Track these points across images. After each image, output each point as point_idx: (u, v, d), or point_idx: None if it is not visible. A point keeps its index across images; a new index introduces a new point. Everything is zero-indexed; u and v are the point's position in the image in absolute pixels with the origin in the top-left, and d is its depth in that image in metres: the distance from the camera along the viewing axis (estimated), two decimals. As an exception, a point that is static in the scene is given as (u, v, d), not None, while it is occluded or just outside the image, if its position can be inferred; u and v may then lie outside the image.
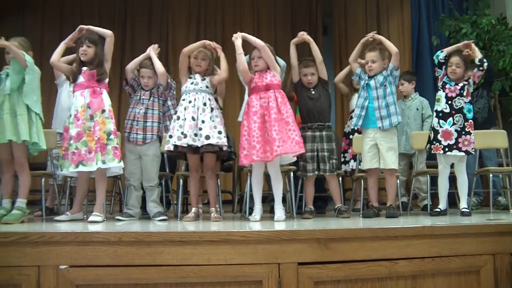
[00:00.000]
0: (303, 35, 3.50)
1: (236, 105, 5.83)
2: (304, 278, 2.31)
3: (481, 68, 3.40)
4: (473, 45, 3.52)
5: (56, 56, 3.15)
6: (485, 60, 3.42)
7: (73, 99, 3.14)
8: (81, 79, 3.13)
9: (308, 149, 3.41)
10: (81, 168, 3.01)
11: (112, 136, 3.08)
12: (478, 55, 3.45)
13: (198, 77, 3.33)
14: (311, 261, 2.34)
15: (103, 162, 3.02)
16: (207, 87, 3.31)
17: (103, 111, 3.09)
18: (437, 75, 3.57)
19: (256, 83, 3.23)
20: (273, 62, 3.25)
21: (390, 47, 3.42)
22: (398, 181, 3.61)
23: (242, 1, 7.07)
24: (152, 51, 3.45)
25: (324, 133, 3.45)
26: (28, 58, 3.03)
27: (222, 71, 3.35)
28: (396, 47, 3.42)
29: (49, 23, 6.62)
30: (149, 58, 3.45)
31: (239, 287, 2.30)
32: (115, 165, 3.07)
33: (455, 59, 3.46)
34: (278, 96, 3.17)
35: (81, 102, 3.07)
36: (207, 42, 3.38)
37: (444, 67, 3.51)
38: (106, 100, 3.13)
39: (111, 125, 3.10)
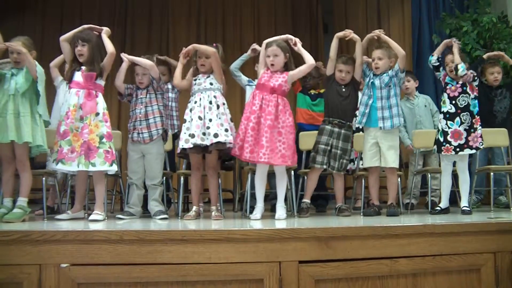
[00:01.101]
0: (351, 33, 3.48)
1: (236, 104, 5.83)
2: (305, 276, 2.31)
3: (462, 75, 3.35)
4: (456, 46, 3.47)
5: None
6: (459, 67, 3.35)
7: (68, 96, 3.13)
8: (79, 77, 3.12)
9: (322, 142, 3.41)
10: (60, 166, 3.01)
11: (104, 140, 3.06)
12: (457, 60, 3.39)
13: (201, 77, 3.34)
14: (312, 259, 2.34)
15: (93, 165, 3.02)
16: (211, 84, 3.30)
17: (97, 114, 3.08)
18: (438, 78, 3.58)
19: (265, 81, 3.22)
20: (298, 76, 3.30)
21: (396, 49, 3.40)
22: (399, 180, 3.61)
23: (242, 0, 7.07)
24: (125, 59, 3.44)
25: (342, 131, 3.44)
26: (39, 69, 3.03)
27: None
28: (402, 49, 3.41)
29: (49, 23, 6.62)
30: (143, 56, 3.45)
31: (240, 285, 2.30)
32: (105, 169, 3.06)
33: (449, 58, 3.47)
34: (280, 102, 3.16)
35: (74, 101, 3.06)
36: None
37: (441, 68, 3.52)
38: (100, 103, 3.12)
39: (104, 129, 3.08)
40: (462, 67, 3.36)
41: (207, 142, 3.16)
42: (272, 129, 3.09)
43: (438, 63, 3.52)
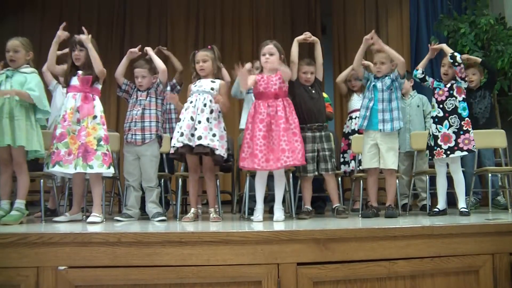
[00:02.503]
0: (310, 37, 3.48)
1: (235, 107, 5.82)
2: (303, 278, 2.31)
3: (456, 64, 3.38)
4: (440, 46, 3.55)
5: (51, 62, 3.20)
6: (456, 54, 3.40)
7: (65, 100, 3.15)
8: (75, 81, 3.14)
9: (308, 150, 3.42)
10: (57, 168, 3.01)
11: (102, 142, 3.07)
12: (447, 51, 3.46)
13: (203, 81, 3.33)
14: (310, 261, 2.34)
15: (91, 167, 3.02)
16: (212, 89, 3.29)
17: (95, 117, 3.09)
18: (428, 87, 3.59)
19: (264, 88, 3.22)
20: (288, 73, 3.23)
21: (395, 57, 3.38)
22: (397, 182, 3.61)
23: (241, 1, 7.08)
24: (150, 50, 3.42)
25: (323, 133, 3.47)
26: (34, 94, 2.98)
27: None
28: (401, 57, 3.40)
29: (48, 24, 6.59)
30: (143, 58, 3.45)
31: (238, 287, 2.29)
32: (103, 171, 3.07)
33: (447, 61, 3.46)
34: (286, 105, 3.19)
35: (71, 105, 3.08)
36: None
37: (427, 77, 3.55)
38: (97, 106, 3.13)
39: (102, 131, 3.09)
40: (458, 54, 3.41)
41: (192, 144, 3.16)
42: (287, 132, 3.11)
43: (423, 75, 3.56)
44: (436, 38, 5.14)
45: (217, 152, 3.18)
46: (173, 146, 3.21)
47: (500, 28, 4.87)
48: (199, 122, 3.19)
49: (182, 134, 3.17)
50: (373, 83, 3.45)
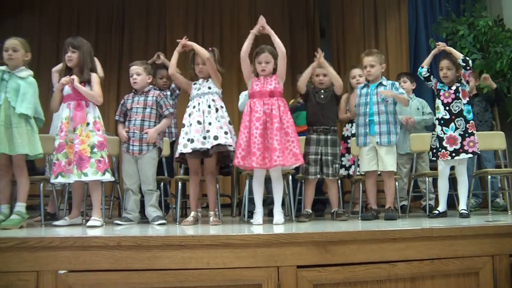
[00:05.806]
0: (320, 57, 3.45)
1: (234, 107, 5.82)
2: (303, 281, 2.31)
3: (467, 68, 3.40)
4: (447, 47, 3.55)
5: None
6: (468, 58, 3.43)
7: (60, 111, 3.17)
8: (68, 90, 3.14)
9: (311, 152, 3.43)
10: (60, 179, 3.04)
11: (96, 150, 3.07)
12: (458, 55, 3.45)
13: (201, 81, 3.35)
14: (310, 264, 2.34)
15: (85, 175, 3.03)
16: (209, 88, 3.32)
17: (87, 124, 3.10)
18: (430, 87, 3.60)
19: (260, 87, 3.23)
20: (284, 72, 3.26)
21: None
22: (397, 183, 3.61)
23: (239, 3, 7.09)
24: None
25: (329, 137, 3.47)
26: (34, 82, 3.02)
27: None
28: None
29: (47, 24, 6.62)
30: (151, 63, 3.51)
31: (238, 290, 2.30)
32: (97, 178, 3.07)
33: (444, 63, 3.46)
34: (280, 104, 3.19)
35: (66, 114, 3.10)
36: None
37: (432, 77, 3.55)
38: (91, 113, 3.13)
39: (95, 138, 3.09)
40: (469, 59, 3.43)
41: (207, 146, 3.16)
42: (280, 131, 3.10)
43: (428, 74, 3.56)
44: (435, 41, 5.16)
45: (231, 149, 3.22)
46: (180, 152, 3.20)
47: (498, 30, 4.88)
48: (209, 123, 3.20)
49: (192, 141, 3.17)
50: (369, 96, 3.44)
